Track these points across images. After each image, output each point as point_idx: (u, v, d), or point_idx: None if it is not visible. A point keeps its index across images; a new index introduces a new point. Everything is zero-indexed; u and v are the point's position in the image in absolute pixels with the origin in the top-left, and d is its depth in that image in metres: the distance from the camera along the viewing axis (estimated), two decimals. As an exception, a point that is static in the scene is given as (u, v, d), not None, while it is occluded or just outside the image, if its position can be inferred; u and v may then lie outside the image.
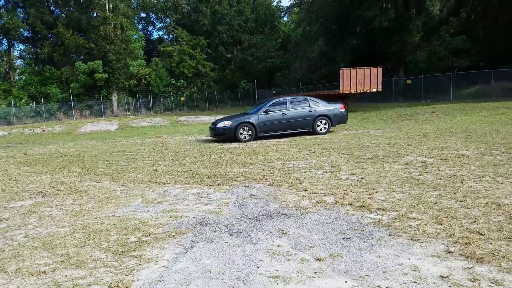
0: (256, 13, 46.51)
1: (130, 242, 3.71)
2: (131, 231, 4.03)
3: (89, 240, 3.82)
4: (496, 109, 16.18)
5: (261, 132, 12.64)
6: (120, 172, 7.83)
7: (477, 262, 2.83)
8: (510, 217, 3.68)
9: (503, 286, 2.45)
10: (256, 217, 4.25)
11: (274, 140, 12.11)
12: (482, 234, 3.32)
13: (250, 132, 12.46)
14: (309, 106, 13.18)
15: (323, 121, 13.18)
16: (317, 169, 6.79)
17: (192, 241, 3.66)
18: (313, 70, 41.09)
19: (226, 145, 11.51)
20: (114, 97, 36.27)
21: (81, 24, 38.14)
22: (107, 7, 36.04)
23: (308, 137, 12.50)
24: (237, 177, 6.54)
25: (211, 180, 6.38)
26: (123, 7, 38.93)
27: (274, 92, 39.61)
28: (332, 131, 13.40)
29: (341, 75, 21.05)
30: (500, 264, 2.76)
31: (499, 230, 3.38)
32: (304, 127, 13.13)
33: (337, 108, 13.49)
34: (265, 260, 3.10)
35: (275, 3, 51.11)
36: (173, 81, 40.60)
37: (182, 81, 41.03)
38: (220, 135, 12.59)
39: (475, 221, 3.64)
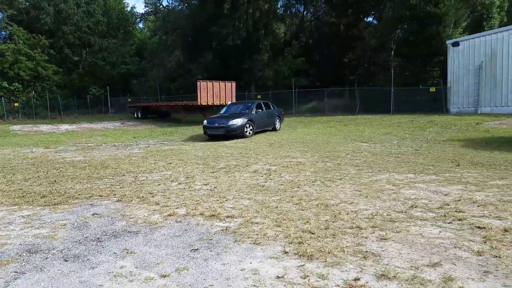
0: (108, 17, 43.23)
1: None
2: None
3: None
4: (328, 122, 19.10)
5: (256, 129, 14.98)
6: None
7: (308, 259, 3.12)
8: (335, 216, 4.26)
9: (328, 280, 2.76)
10: (98, 238, 3.86)
11: (127, 152, 11.39)
12: (312, 233, 3.71)
13: (251, 129, 14.68)
14: (271, 108, 16.98)
15: (277, 120, 17.02)
16: (171, 181, 6.66)
17: (17, 272, 3.08)
18: (172, 80, 40.65)
19: (69, 159, 10.24)
20: None
21: None
22: None
23: (166, 147, 12.21)
24: (79, 194, 5.85)
25: (46, 200, 5.53)
26: None
27: (129, 100, 37.36)
28: (187, 143, 13.44)
29: (198, 87, 21.48)
30: (326, 260, 3.10)
31: (326, 228, 3.85)
32: (271, 125, 16.56)
33: (280, 111, 17.91)
34: (105, 284, 2.82)
35: (129, 9, 48.73)
36: (5, 84, 34.28)
37: (17, 84, 35.00)
38: (233, 132, 14.16)
39: (307, 222, 4.08)
